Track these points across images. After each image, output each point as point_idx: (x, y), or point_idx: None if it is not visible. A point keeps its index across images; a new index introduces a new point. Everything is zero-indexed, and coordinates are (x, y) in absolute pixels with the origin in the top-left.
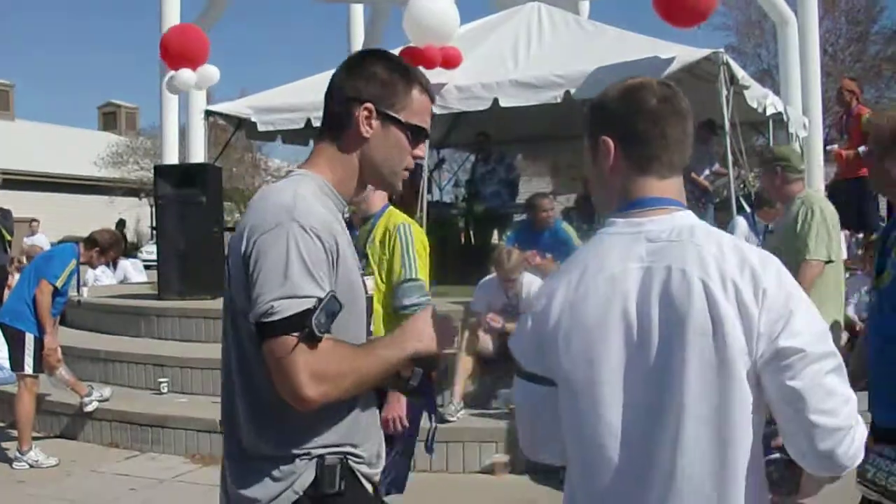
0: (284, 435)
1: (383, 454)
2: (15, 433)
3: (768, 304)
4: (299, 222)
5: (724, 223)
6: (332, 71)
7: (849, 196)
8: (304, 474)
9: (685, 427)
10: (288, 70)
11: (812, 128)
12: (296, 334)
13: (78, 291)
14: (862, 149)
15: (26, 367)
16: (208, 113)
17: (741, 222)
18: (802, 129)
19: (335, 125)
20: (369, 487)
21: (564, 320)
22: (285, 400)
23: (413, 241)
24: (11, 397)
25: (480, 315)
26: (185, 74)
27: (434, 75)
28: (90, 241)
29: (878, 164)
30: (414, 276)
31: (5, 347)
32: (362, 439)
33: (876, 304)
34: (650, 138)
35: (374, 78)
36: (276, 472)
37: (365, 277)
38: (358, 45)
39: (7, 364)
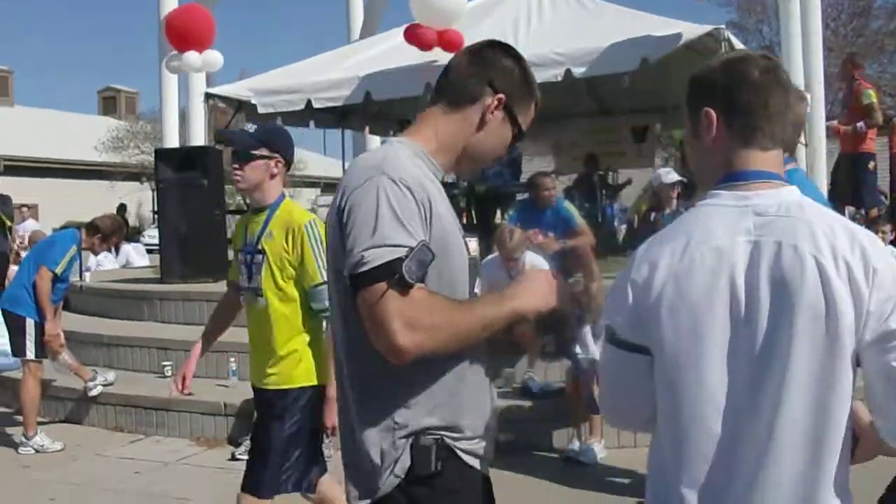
0: (388, 410)
1: (494, 424)
2: (20, 418)
3: (878, 283)
4: (388, 175)
5: None
6: (332, 51)
7: (848, 172)
8: (402, 457)
9: (787, 403)
10: (287, 51)
11: (814, 103)
12: (387, 281)
13: (80, 277)
14: (860, 125)
15: (28, 353)
16: (208, 96)
17: None
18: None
19: (458, 99)
20: (473, 462)
21: (668, 291)
22: (381, 353)
23: (322, 239)
24: (16, 383)
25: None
26: (190, 57)
27: (429, 56)
28: (92, 228)
29: None
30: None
31: (7, 334)
32: (464, 413)
33: None
34: (753, 109)
35: (512, 75)
36: (381, 455)
37: (467, 238)
38: (357, 25)
39: (10, 350)
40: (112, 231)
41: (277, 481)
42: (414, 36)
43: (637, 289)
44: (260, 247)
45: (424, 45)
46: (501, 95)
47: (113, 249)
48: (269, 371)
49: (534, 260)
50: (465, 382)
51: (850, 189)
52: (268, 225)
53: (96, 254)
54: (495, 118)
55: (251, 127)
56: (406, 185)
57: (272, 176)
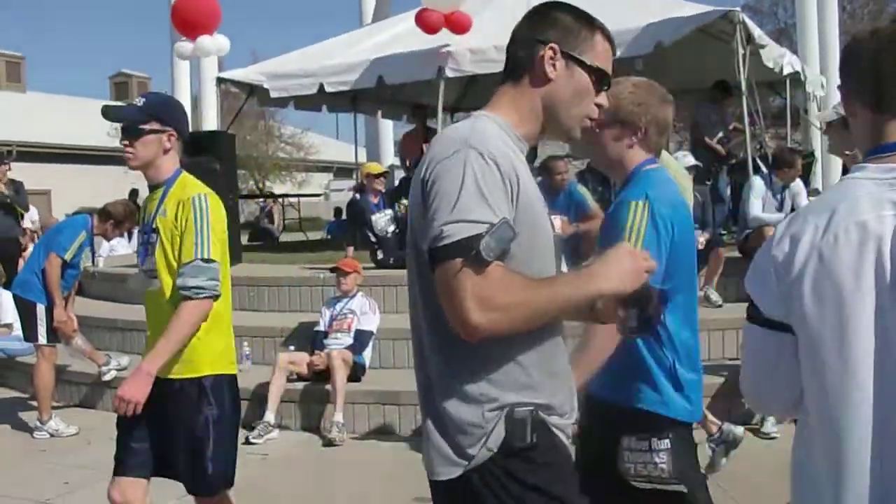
0: (475, 385)
1: (576, 406)
2: (35, 403)
3: None
4: (476, 148)
5: (740, 185)
6: (342, 35)
7: None
8: (495, 429)
9: None
10: (299, 35)
11: (830, 87)
12: (463, 258)
13: (93, 262)
14: None
15: (40, 338)
16: (220, 80)
17: (758, 183)
18: (820, 89)
19: (517, 68)
20: (564, 439)
21: (812, 266)
22: (456, 330)
23: (209, 215)
24: (31, 368)
25: None
26: (199, 42)
27: (442, 40)
28: (104, 214)
29: None
30: (205, 256)
31: (20, 319)
32: (553, 389)
33: None
34: None
35: (557, 22)
36: (469, 428)
37: (552, 216)
38: (369, 9)
39: (22, 335)
40: (124, 216)
41: (199, 481)
42: (421, 20)
43: (778, 265)
44: (154, 226)
45: (431, 29)
46: (552, 45)
47: (126, 235)
48: (171, 359)
49: None
50: (557, 360)
51: None
52: (163, 202)
53: (109, 239)
54: (558, 69)
55: (140, 100)
56: (493, 160)
57: (166, 151)
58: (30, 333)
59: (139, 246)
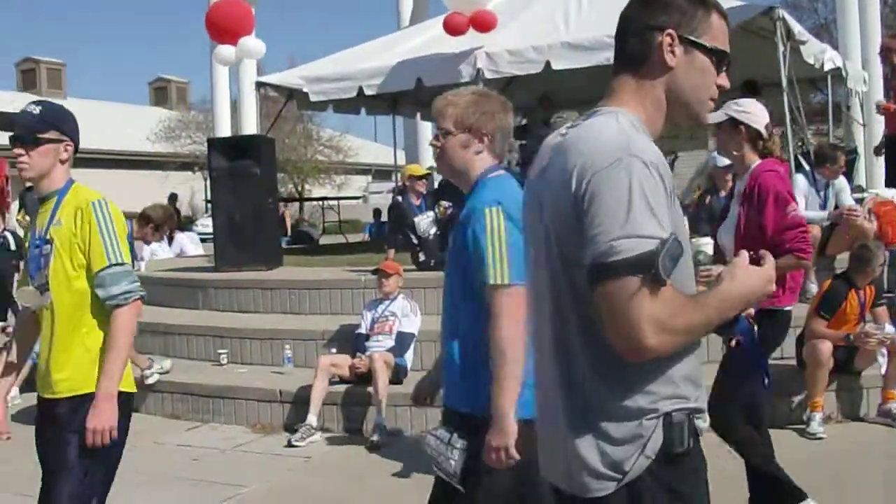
0: (632, 392)
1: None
2: None
3: None
4: (640, 158)
5: None
6: (381, 38)
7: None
8: (653, 436)
9: None
10: (337, 38)
11: (872, 83)
12: (639, 277)
13: (133, 267)
14: None
15: None
16: (259, 84)
17: (800, 180)
18: (862, 85)
19: (633, 60)
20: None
21: None
22: (617, 348)
23: (112, 219)
24: None
25: None
26: (230, 49)
27: (478, 41)
28: (144, 218)
29: None
30: (119, 261)
31: None
32: (700, 390)
33: None
34: None
35: (671, 5)
36: (628, 441)
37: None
38: (407, 12)
39: None
40: (164, 220)
41: None
42: (447, 24)
43: None
44: (48, 237)
45: (457, 32)
46: (670, 31)
47: (166, 239)
48: (59, 377)
49: None
50: (699, 370)
51: None
52: (56, 212)
53: (148, 243)
54: (678, 55)
55: (35, 108)
56: (655, 168)
57: (62, 161)
58: None
59: (29, 262)
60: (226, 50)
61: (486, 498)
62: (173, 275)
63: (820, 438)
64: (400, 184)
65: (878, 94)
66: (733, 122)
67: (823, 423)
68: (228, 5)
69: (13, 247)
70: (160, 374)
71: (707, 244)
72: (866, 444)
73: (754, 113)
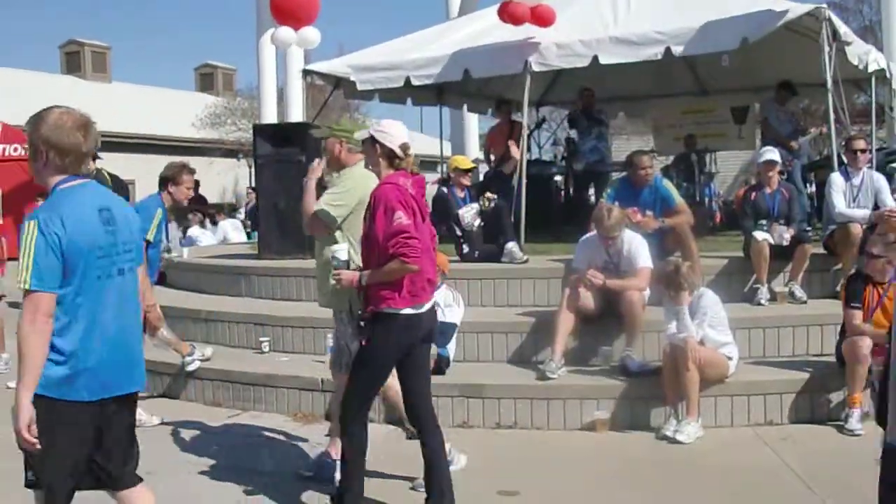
0: None
1: None
2: None
3: None
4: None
5: (824, 181)
6: (429, 29)
7: None
8: None
9: None
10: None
11: None
12: None
13: (167, 239)
14: None
15: None
16: (306, 72)
17: (836, 179)
18: None
19: None
20: None
21: None
22: None
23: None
24: None
25: (581, 272)
26: (290, 32)
27: (527, 33)
28: (161, 183)
29: None
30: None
31: None
32: None
33: None
34: None
35: None
36: None
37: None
38: (456, 3)
39: None
40: (176, 171)
41: None
42: (505, 12)
43: None
44: None
45: (516, 21)
46: None
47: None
48: None
49: (632, 238)
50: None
51: None
52: None
53: (178, 203)
54: None
55: None
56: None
57: None
58: None
59: None
60: (285, 33)
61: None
62: (216, 261)
63: (858, 435)
64: (445, 175)
65: None
66: (372, 140)
67: (862, 419)
68: None
69: None
70: (201, 360)
71: (340, 250)
72: None
73: (391, 133)
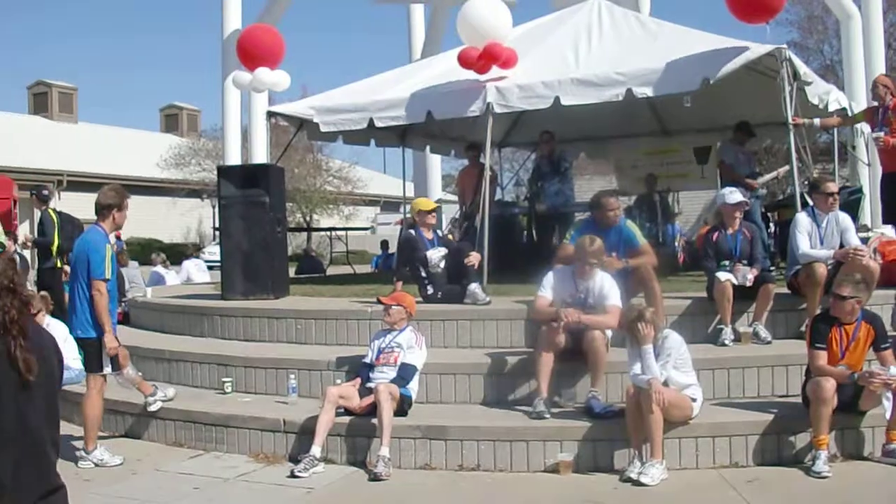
0: None
1: None
2: (80, 432)
3: None
4: None
5: (788, 220)
6: (392, 71)
7: (892, 191)
8: None
9: None
10: (349, 69)
11: None
12: None
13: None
14: None
15: (105, 367)
16: (270, 114)
17: (802, 219)
18: (867, 128)
19: None
20: None
21: None
22: None
23: None
24: (78, 396)
25: (546, 301)
26: (259, 74)
27: (489, 74)
28: (99, 213)
29: None
30: None
31: (75, 346)
32: None
33: None
34: None
35: None
36: None
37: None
38: (418, 46)
39: (79, 364)
40: (120, 198)
41: None
42: (460, 58)
43: None
44: None
45: (469, 65)
46: None
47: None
48: None
49: (604, 276)
50: None
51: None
52: None
53: (119, 228)
54: None
55: None
56: None
57: None
58: (94, 365)
59: None
60: (249, 76)
61: None
62: (179, 301)
63: (825, 477)
64: (409, 217)
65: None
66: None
67: (828, 461)
68: (264, 32)
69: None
70: (164, 401)
71: None
72: (871, 484)
73: None
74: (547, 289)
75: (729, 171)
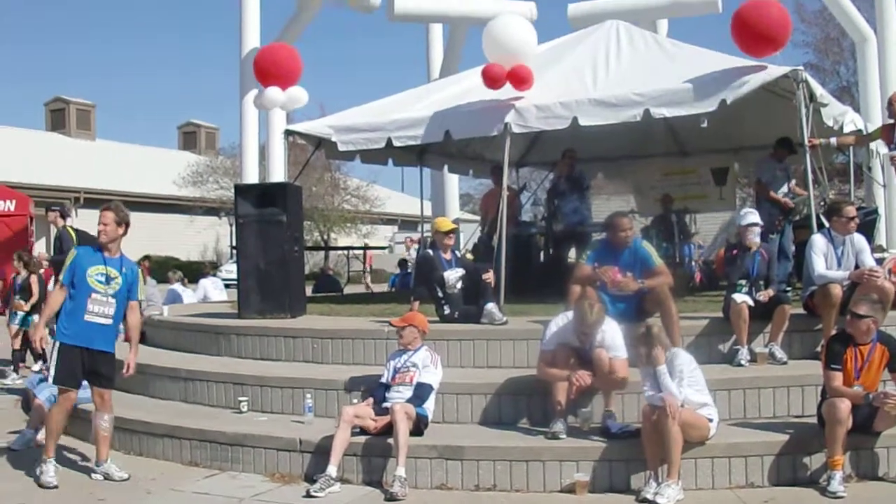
0: None
1: None
2: (93, 451)
3: None
4: None
5: (804, 241)
6: (412, 89)
7: None
8: None
9: None
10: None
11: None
12: None
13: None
14: None
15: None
16: (288, 132)
17: (818, 240)
18: (884, 146)
19: None
20: None
21: None
22: None
23: None
24: (89, 415)
25: (570, 375)
26: (274, 93)
27: (507, 94)
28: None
29: None
30: None
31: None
32: None
33: None
34: None
35: None
36: None
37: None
38: (437, 64)
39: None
40: (107, 216)
41: None
42: (485, 74)
43: None
44: None
45: (493, 83)
46: None
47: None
48: None
49: (606, 328)
50: None
51: None
52: None
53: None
54: None
55: None
56: None
57: None
58: (111, 381)
59: None
60: (273, 93)
61: None
62: (195, 320)
63: (840, 498)
64: (428, 237)
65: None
66: None
67: (843, 482)
68: (281, 50)
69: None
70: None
71: None
72: None
73: None
74: (549, 343)
75: (764, 189)
